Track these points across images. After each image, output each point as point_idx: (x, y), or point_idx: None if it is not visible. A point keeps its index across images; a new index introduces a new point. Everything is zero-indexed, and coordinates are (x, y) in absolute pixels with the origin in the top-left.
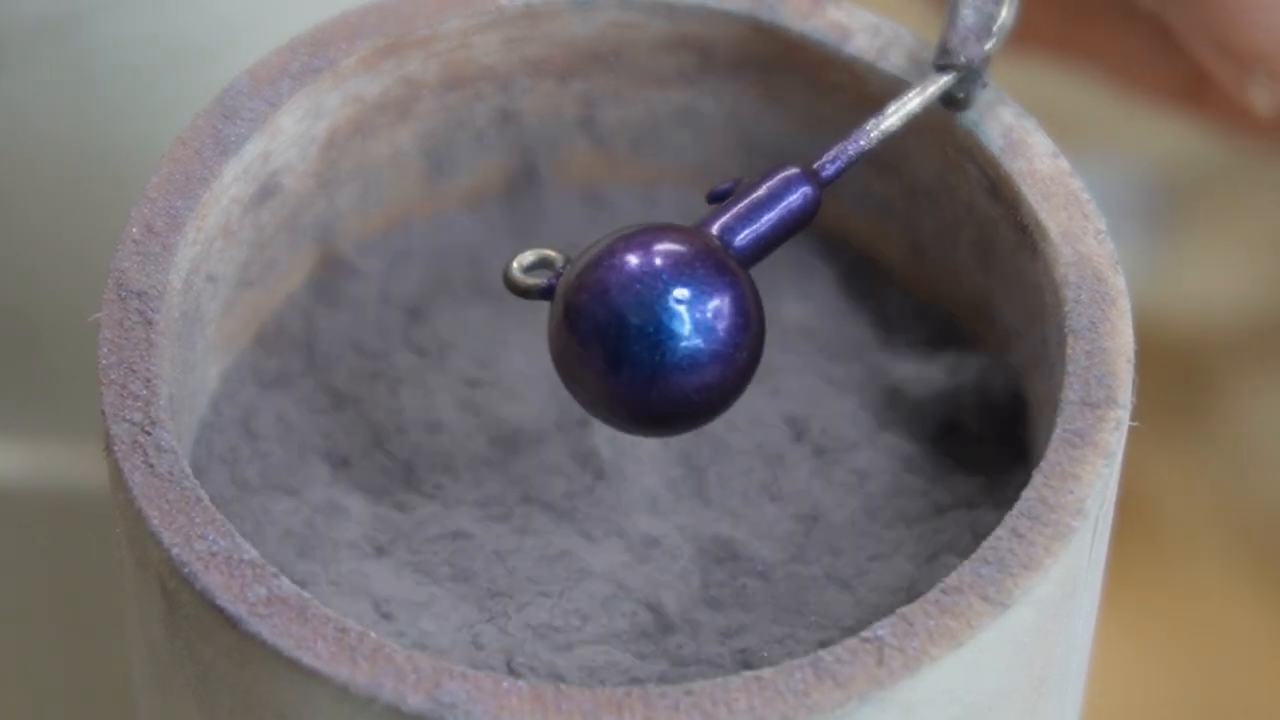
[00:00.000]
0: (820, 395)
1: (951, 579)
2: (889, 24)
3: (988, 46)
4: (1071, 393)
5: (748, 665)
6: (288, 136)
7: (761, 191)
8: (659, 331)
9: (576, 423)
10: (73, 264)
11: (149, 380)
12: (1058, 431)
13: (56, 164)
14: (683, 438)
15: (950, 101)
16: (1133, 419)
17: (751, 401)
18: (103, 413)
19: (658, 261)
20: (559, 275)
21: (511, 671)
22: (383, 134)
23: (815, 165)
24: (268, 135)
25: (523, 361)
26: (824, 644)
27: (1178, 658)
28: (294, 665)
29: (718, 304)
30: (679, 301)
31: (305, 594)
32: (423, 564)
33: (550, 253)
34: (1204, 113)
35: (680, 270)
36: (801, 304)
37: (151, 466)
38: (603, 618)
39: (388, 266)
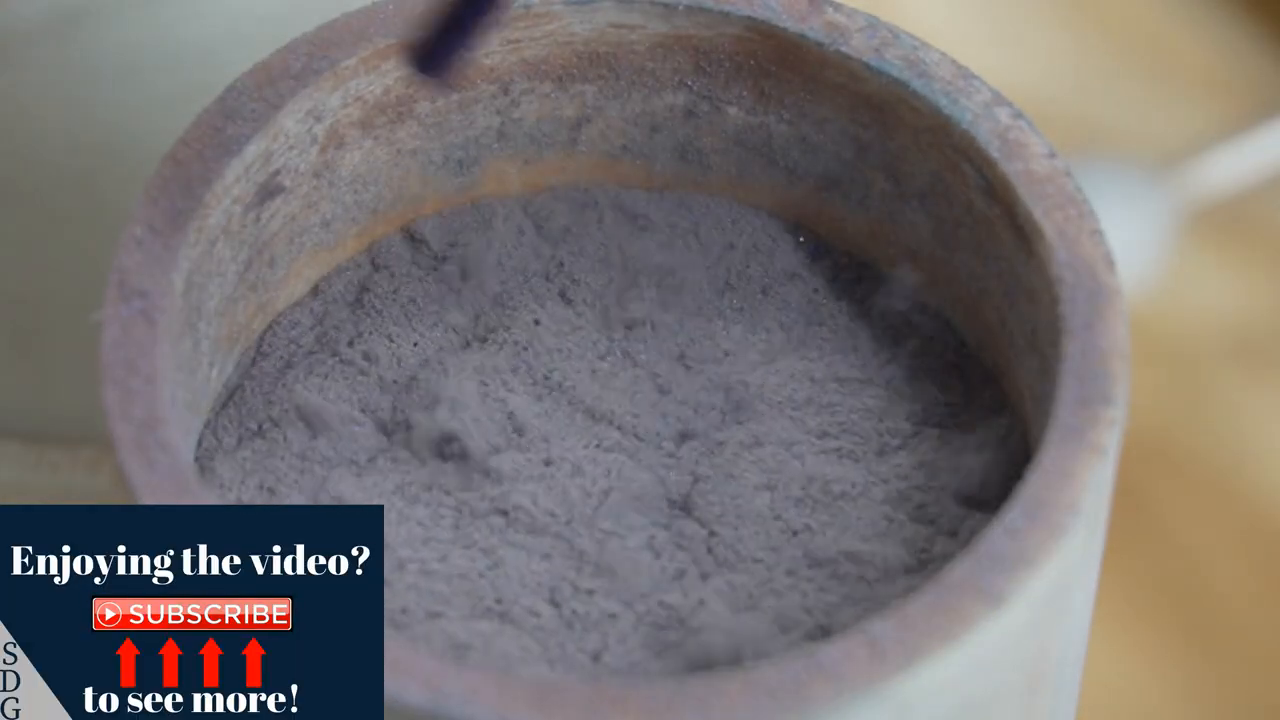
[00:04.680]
0: (814, 396)
1: (947, 575)
2: (885, 24)
3: None
4: (1066, 391)
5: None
6: (289, 137)
7: None
8: None
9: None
10: (74, 263)
11: (151, 379)
12: (1052, 429)
13: (57, 164)
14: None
15: None
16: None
17: (747, 402)
18: (105, 412)
19: None
20: None
21: None
22: (383, 135)
23: None
24: (269, 136)
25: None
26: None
27: (1172, 655)
28: None
29: None
30: None
31: None
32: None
33: None
34: None
35: None
36: (796, 305)
37: (153, 465)
38: None
39: (388, 266)
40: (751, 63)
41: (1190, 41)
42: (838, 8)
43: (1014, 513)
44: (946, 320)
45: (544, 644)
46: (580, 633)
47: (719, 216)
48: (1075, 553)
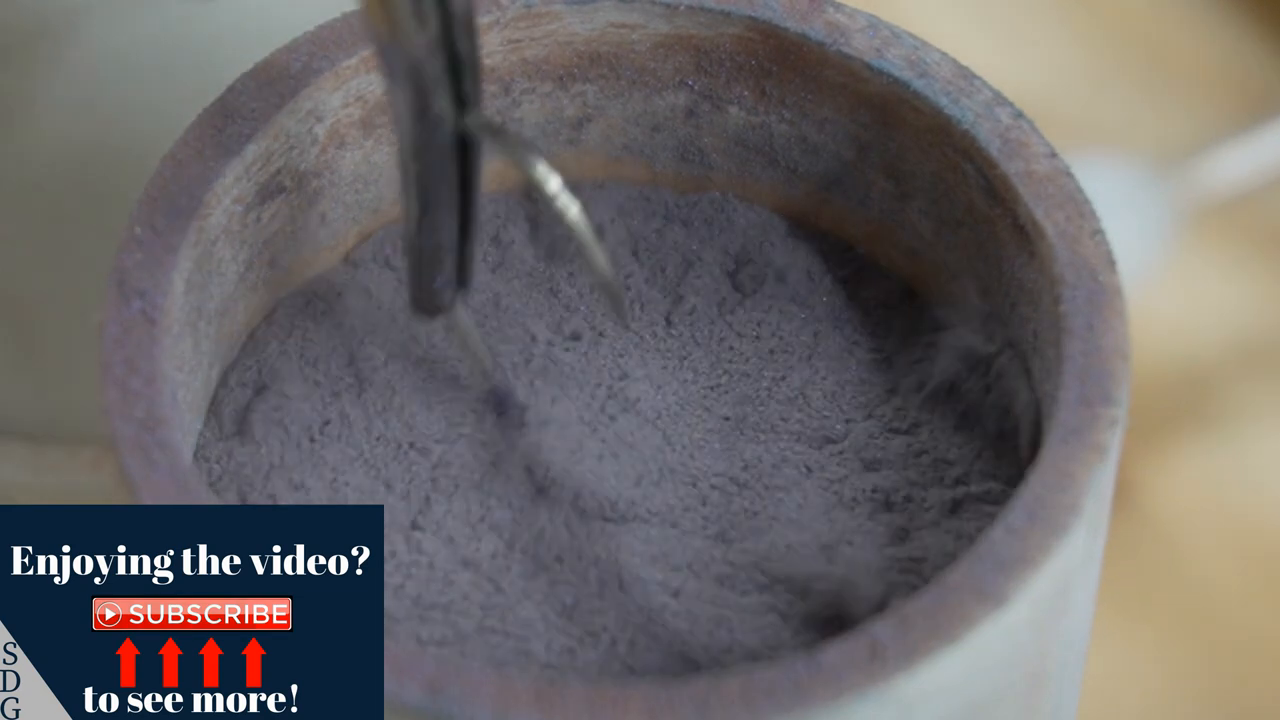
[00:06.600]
0: (817, 393)
1: (948, 576)
2: (886, 24)
3: None
4: (1067, 391)
5: None
6: (289, 137)
7: None
8: None
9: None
10: (74, 263)
11: (151, 379)
12: (1053, 430)
13: (57, 164)
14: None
15: None
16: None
17: (749, 403)
18: (105, 411)
19: None
20: None
21: None
22: (384, 135)
23: None
24: (269, 136)
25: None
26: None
27: (1173, 654)
28: None
29: None
30: None
31: None
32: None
33: None
34: None
35: None
36: (799, 305)
37: (154, 465)
38: None
39: (388, 267)
40: (752, 62)
41: (1190, 41)
42: (839, 8)
43: (1014, 512)
44: (946, 320)
45: None
46: None
47: (719, 215)
48: (1076, 552)
